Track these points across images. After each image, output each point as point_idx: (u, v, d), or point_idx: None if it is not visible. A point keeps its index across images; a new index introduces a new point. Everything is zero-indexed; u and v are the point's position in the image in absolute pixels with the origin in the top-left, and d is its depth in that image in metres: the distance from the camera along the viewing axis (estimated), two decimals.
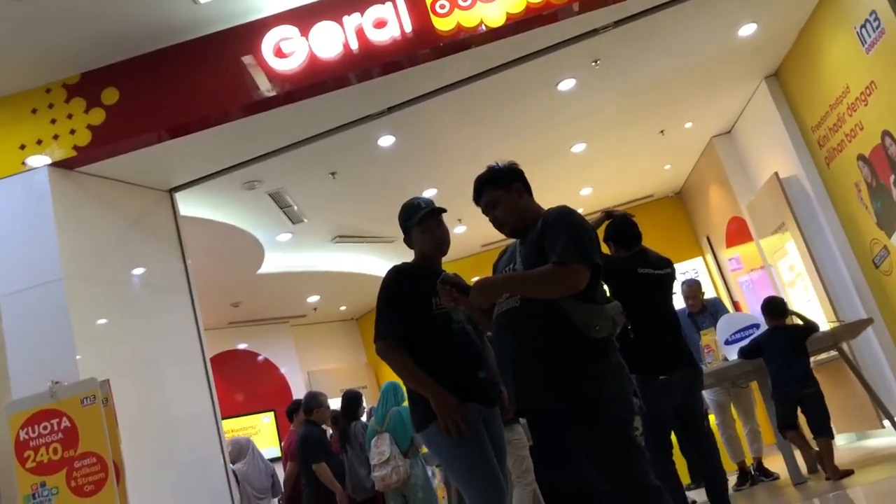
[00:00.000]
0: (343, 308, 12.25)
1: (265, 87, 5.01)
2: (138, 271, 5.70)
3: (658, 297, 4.34)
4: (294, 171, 6.76)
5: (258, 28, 5.04)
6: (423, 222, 3.27)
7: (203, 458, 5.60)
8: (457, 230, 9.41)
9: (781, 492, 5.60)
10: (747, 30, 6.33)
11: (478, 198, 2.96)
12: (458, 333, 3.10)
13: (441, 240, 3.29)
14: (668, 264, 4.46)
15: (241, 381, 10.79)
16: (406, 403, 6.11)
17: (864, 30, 5.66)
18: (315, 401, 6.61)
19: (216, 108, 5.15)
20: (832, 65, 6.32)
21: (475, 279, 2.77)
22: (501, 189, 2.88)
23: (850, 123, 6.22)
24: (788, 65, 7.10)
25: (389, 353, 3.07)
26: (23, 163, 5.09)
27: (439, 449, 3.03)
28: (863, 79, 5.88)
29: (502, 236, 2.97)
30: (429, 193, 8.04)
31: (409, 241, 3.35)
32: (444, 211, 3.35)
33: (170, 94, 5.10)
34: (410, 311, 3.09)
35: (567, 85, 6.53)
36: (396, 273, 3.21)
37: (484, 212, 2.96)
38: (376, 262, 10.31)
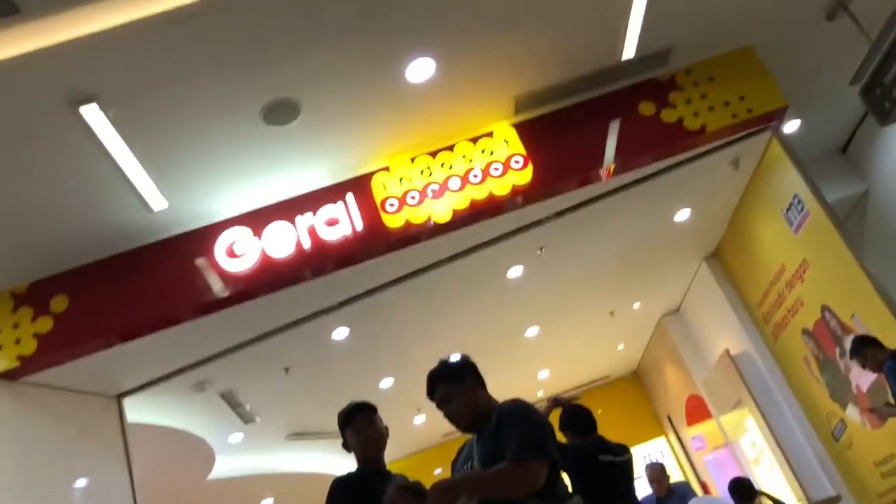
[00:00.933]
0: None
1: (218, 289, 5.03)
2: (81, 483, 5.38)
3: (621, 487, 4.23)
4: (246, 368, 6.64)
5: (212, 231, 5.12)
6: (350, 422, 3.22)
7: None
8: (416, 420, 9.22)
9: None
10: (682, 215, 6.68)
11: (431, 393, 2.92)
12: None
13: (370, 436, 3.20)
14: (626, 450, 4.40)
15: None
16: None
17: (790, 212, 6.00)
18: None
19: (168, 310, 5.12)
20: (766, 245, 6.63)
21: (436, 474, 2.67)
22: (455, 383, 2.86)
23: (791, 299, 6.43)
24: (725, 246, 7.43)
25: None
26: None
27: None
28: (795, 257, 6.16)
29: (453, 430, 2.91)
30: (386, 383, 7.95)
31: (346, 446, 3.28)
32: (372, 407, 3.27)
33: (121, 299, 5.06)
34: None
35: (515, 272, 6.71)
36: (337, 486, 3.12)
37: (438, 406, 2.91)
38: (333, 460, 9.93)
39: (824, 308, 6.00)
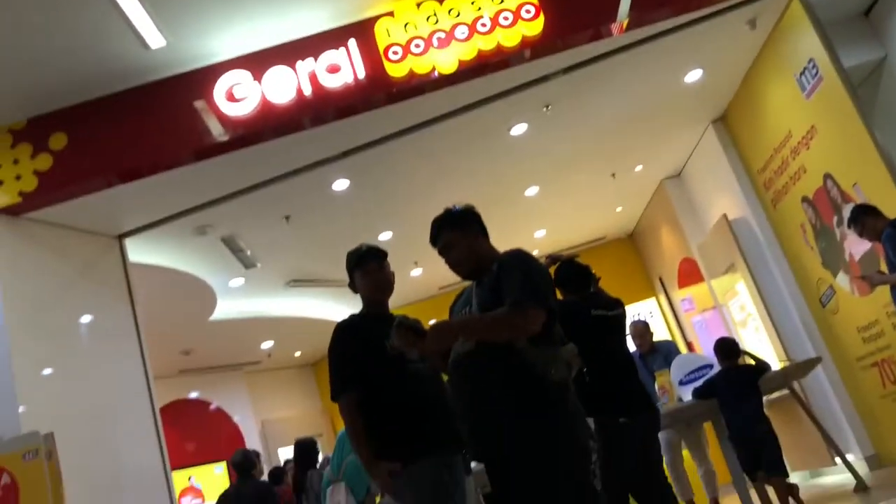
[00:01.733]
0: (298, 354, 12.07)
1: (217, 132, 4.97)
2: (85, 319, 5.55)
3: (613, 339, 4.35)
4: (247, 215, 6.69)
5: (210, 73, 5.01)
6: (362, 265, 3.27)
7: None
8: (413, 273, 9.39)
9: None
10: (693, 76, 6.52)
11: (434, 239, 2.95)
12: (414, 375, 3.04)
13: (379, 281, 3.27)
14: (619, 305, 4.49)
15: (192, 430, 10.52)
16: None
17: (803, 77, 5.87)
18: (249, 461, 6.40)
19: (167, 152, 5.10)
20: (775, 110, 6.53)
21: (432, 322, 2.75)
22: (458, 231, 2.89)
23: (794, 166, 6.40)
24: (734, 109, 7.31)
25: (344, 412, 3.07)
26: None
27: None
28: (804, 124, 6.08)
29: (459, 279, 2.96)
30: (384, 237, 8.03)
31: (353, 288, 3.34)
32: (384, 253, 3.32)
33: (120, 139, 5.02)
34: (363, 359, 3.06)
35: (519, 129, 6.62)
36: (341, 330, 3.19)
37: (440, 253, 2.95)
38: (331, 306, 10.21)
39: (826, 176, 5.99)
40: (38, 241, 5.31)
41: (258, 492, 6.20)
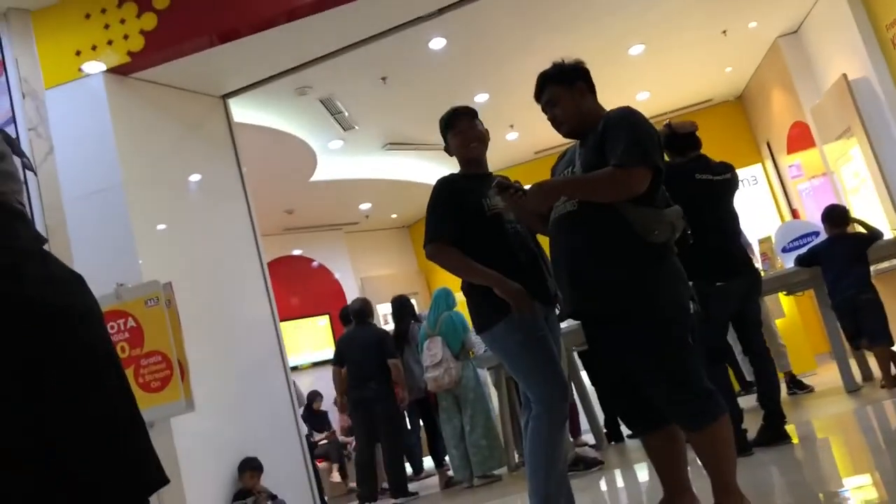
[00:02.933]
0: (394, 216, 12.32)
1: None
2: (195, 177, 5.79)
3: (716, 203, 4.24)
4: (345, 76, 6.69)
5: None
6: (452, 125, 3.24)
7: (263, 359, 5.80)
8: (509, 136, 9.29)
9: (834, 399, 5.59)
10: None
11: (539, 94, 2.87)
12: (512, 234, 3.04)
13: (471, 137, 3.22)
14: (728, 169, 4.35)
15: (296, 285, 11.04)
16: (457, 308, 6.21)
17: None
18: (369, 308, 6.77)
19: (266, 10, 5.10)
20: None
21: (527, 187, 2.73)
22: (564, 86, 2.80)
23: None
24: None
25: (440, 253, 3.03)
26: (79, 69, 5.14)
27: (506, 346, 3.00)
28: None
29: (556, 143, 2.94)
30: (480, 98, 7.92)
31: (448, 151, 3.32)
32: (473, 111, 3.26)
33: None
34: (461, 215, 3.05)
35: None
36: (443, 182, 3.20)
37: (543, 109, 2.88)
38: (427, 169, 10.28)
39: None
40: (148, 100, 5.49)
41: (376, 336, 6.57)
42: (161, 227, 5.32)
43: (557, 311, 3.08)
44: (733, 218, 4.38)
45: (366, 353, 6.41)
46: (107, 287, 4.56)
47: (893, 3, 6.35)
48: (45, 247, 1.31)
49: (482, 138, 3.26)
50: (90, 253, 4.94)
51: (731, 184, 4.35)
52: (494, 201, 2.99)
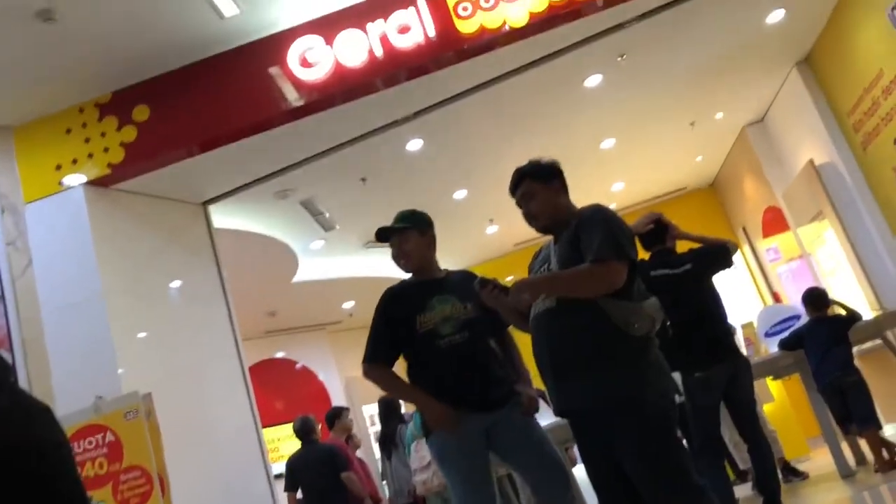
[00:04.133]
0: None
1: (293, 98, 5.05)
2: (175, 284, 5.78)
3: (683, 296, 4.25)
4: (325, 178, 6.79)
5: (283, 39, 5.08)
6: (386, 241, 3.41)
7: (246, 468, 5.65)
8: (489, 230, 9.39)
9: (829, 486, 5.50)
10: (775, 16, 6.24)
11: (514, 188, 2.94)
12: (445, 349, 3.11)
13: (397, 255, 3.37)
14: (690, 260, 4.38)
15: (280, 389, 10.88)
16: None
17: (895, 11, 5.55)
18: (309, 426, 6.57)
19: (245, 120, 5.21)
20: (864, 48, 6.20)
21: (509, 278, 2.76)
22: (540, 183, 2.88)
23: (886, 107, 6.09)
24: (819, 50, 6.98)
25: (370, 374, 3.23)
26: (59, 182, 5.19)
27: (434, 458, 3.18)
28: None
29: (535, 235, 2.97)
30: (459, 195, 8.04)
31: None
32: (400, 227, 3.36)
33: (200, 109, 5.17)
34: (395, 332, 3.20)
35: (594, 81, 6.48)
36: (383, 297, 3.34)
37: (518, 203, 2.94)
38: None
39: None
40: (129, 210, 5.53)
41: (325, 452, 6.37)
42: (141, 335, 5.27)
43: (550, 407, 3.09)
44: (709, 306, 4.40)
45: (319, 473, 6.23)
46: (85, 400, 4.48)
47: (852, 90, 6.60)
48: (22, 361, 1.26)
49: (405, 255, 3.35)
50: (69, 365, 4.88)
51: (695, 273, 4.36)
52: (429, 315, 3.08)
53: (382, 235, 3.36)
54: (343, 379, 11.68)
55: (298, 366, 11.44)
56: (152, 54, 5.00)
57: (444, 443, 3.05)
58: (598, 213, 2.71)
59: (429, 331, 3.10)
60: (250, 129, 5.23)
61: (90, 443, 4.31)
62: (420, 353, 3.16)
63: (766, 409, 7.44)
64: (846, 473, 5.49)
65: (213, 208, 6.27)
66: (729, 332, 4.73)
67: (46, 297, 5.04)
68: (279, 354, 11.32)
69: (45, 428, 1.17)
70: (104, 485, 4.25)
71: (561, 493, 3.06)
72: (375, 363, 3.21)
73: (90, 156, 5.19)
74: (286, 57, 5.03)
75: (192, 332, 5.69)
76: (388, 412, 6.87)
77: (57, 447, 1.18)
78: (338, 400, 11.16)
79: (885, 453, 5.27)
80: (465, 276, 3.18)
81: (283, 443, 10.10)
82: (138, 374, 4.90)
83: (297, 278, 9.16)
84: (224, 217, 6.71)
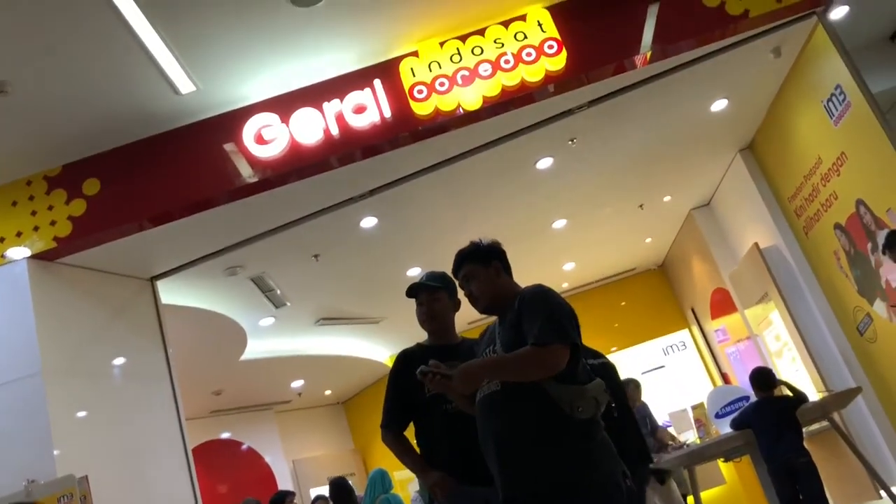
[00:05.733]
0: (328, 392, 12.06)
1: (247, 174, 5.04)
2: (119, 361, 5.60)
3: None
4: (276, 254, 6.74)
5: (239, 116, 5.10)
6: (413, 297, 3.36)
7: None
8: None
9: None
10: (719, 105, 6.50)
11: (457, 270, 3.00)
12: (447, 417, 3.06)
13: (426, 314, 3.33)
14: (599, 356, 4.31)
15: (224, 471, 10.50)
16: (395, 491, 5.97)
17: (830, 103, 5.82)
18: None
19: (198, 195, 5.17)
20: (803, 137, 6.47)
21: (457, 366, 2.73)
22: (480, 264, 2.91)
23: (825, 193, 6.32)
24: (761, 137, 7.26)
25: (384, 439, 3.26)
26: (2, 255, 5.05)
27: None
28: (833, 150, 6.01)
29: (484, 315, 2.97)
30: (412, 272, 8.05)
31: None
32: (434, 285, 3.34)
33: (151, 183, 5.12)
34: (409, 395, 3.17)
35: (545, 163, 6.63)
36: (396, 360, 3.33)
37: (460, 285, 3.01)
38: (361, 344, 10.22)
39: (859, 202, 5.91)
40: (73, 285, 5.39)
41: None
42: (81, 414, 5.06)
43: None
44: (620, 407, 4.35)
45: None
46: (16, 485, 4.26)
47: (792, 177, 6.84)
48: None
49: (434, 315, 3.32)
50: (2, 445, 4.64)
51: (604, 369, 4.25)
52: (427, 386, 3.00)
53: (412, 292, 3.34)
54: (290, 461, 11.35)
55: (244, 447, 11.09)
56: (106, 128, 4.97)
57: None
58: (539, 295, 2.72)
59: (435, 396, 3.04)
60: (203, 204, 5.19)
61: None
62: (426, 418, 3.17)
63: (719, 490, 7.44)
64: None
65: (160, 284, 6.16)
66: None
67: None
68: (224, 435, 10.97)
69: None
70: None
71: None
72: (388, 429, 3.25)
73: (36, 229, 5.08)
74: (242, 133, 5.05)
75: (135, 411, 5.49)
76: (340, 494, 6.66)
77: None
78: (284, 482, 10.80)
79: None
80: (476, 344, 3.12)
81: None
82: (75, 455, 4.69)
83: (245, 356, 8.96)
84: (172, 294, 6.58)
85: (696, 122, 6.73)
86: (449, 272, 3.30)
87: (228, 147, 5.02)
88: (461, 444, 2.97)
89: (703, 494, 6.46)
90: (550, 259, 9.14)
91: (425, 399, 3.09)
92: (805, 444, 5.63)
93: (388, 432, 3.24)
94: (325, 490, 7.13)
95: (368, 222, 6.70)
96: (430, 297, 3.32)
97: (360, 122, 5.05)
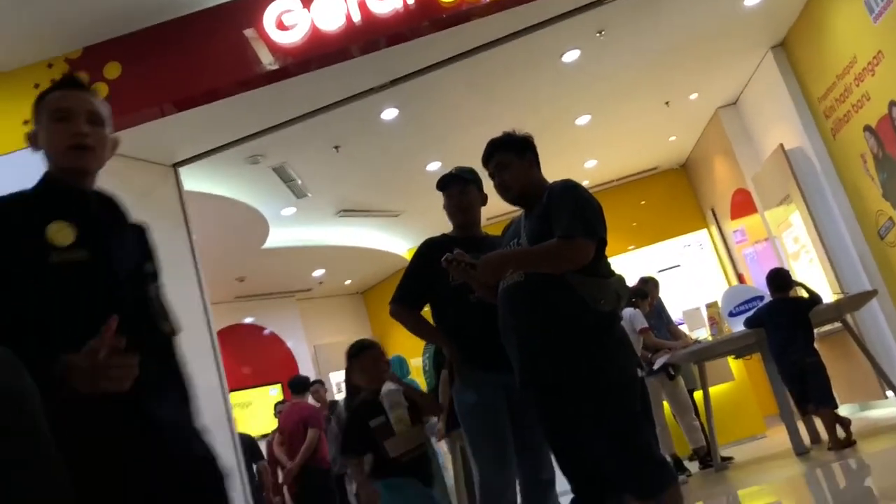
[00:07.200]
0: (348, 282, 12.28)
1: (267, 61, 4.98)
2: None
3: None
4: (297, 144, 6.74)
5: (260, 1, 5.00)
6: (443, 188, 3.39)
7: (211, 429, 5.63)
8: None
9: (784, 463, 5.65)
10: None
11: (488, 159, 2.95)
12: (474, 304, 3.06)
13: (457, 206, 3.36)
14: None
15: (247, 354, 10.86)
16: (412, 377, 6.16)
17: None
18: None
19: (219, 81, 5.12)
20: (839, 34, 6.26)
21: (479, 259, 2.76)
22: (515, 154, 2.89)
23: (857, 94, 6.17)
24: (795, 35, 7.04)
25: (398, 314, 3.30)
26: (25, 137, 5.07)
27: (457, 412, 3.17)
28: (870, 49, 5.83)
29: (505, 211, 3.00)
30: (432, 167, 8.03)
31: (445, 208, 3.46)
32: (467, 179, 3.36)
33: (173, 68, 5.07)
34: (428, 282, 3.22)
35: (571, 56, 6.49)
36: (422, 246, 3.38)
37: (491, 174, 2.95)
38: (381, 236, 10.32)
39: (892, 105, 5.77)
40: None
41: (244, 444, 6.52)
42: None
43: None
44: None
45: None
46: None
47: (824, 76, 6.67)
48: None
49: (466, 207, 3.36)
50: None
51: None
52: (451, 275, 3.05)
53: (444, 183, 3.39)
54: (311, 346, 11.69)
55: (267, 332, 11.42)
56: (127, 11, 4.89)
57: (465, 397, 3.11)
58: (569, 189, 2.72)
59: (461, 285, 3.05)
60: (224, 91, 5.15)
61: None
62: (449, 306, 3.22)
63: (726, 387, 7.62)
64: (801, 451, 5.65)
65: (183, 171, 6.19)
66: None
67: None
68: (248, 320, 11.28)
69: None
70: None
71: (552, 480, 3.11)
72: (402, 305, 3.31)
73: None
74: (262, 19, 4.95)
75: None
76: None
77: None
78: (305, 366, 11.18)
79: (839, 432, 5.42)
80: (498, 240, 3.15)
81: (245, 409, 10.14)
82: None
83: (267, 244, 9.10)
84: (195, 181, 6.64)
85: (729, 17, 6.51)
86: (472, 168, 3.31)
87: (249, 33, 4.95)
88: (482, 332, 3.02)
89: (712, 390, 6.62)
90: (572, 156, 9.07)
91: (448, 288, 3.13)
92: (816, 344, 5.72)
93: (401, 305, 3.30)
94: (342, 374, 7.42)
95: (389, 114, 6.65)
96: (462, 189, 3.35)
97: (382, 9, 4.93)
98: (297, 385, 7.79)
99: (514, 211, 2.96)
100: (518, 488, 3.12)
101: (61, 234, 1.65)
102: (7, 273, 1.61)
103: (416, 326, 3.31)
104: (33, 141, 2.00)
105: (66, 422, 1.39)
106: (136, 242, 2.05)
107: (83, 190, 1.91)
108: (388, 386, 3.56)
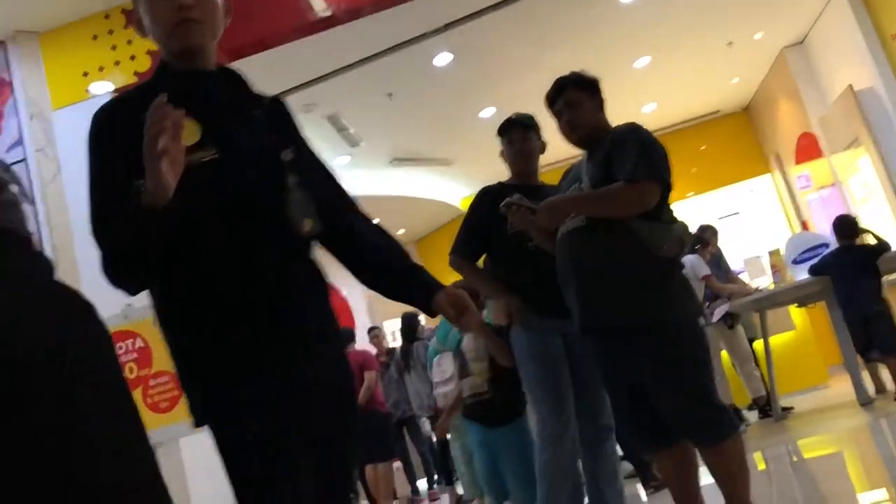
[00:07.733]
0: (402, 231, 12.31)
1: (319, 8, 4.94)
2: None
3: None
4: (350, 93, 6.71)
5: None
6: (505, 134, 3.29)
7: None
8: None
9: (848, 413, 5.54)
10: None
11: (557, 95, 2.82)
12: (533, 251, 3.02)
13: (518, 151, 3.26)
14: None
15: None
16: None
17: None
18: None
19: (271, 30, 5.11)
20: None
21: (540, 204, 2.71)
22: (587, 93, 2.80)
23: None
24: None
25: (458, 265, 3.23)
26: (86, 90, 5.15)
27: (515, 358, 3.14)
28: None
29: (560, 158, 2.92)
30: (486, 113, 7.93)
31: (502, 155, 3.37)
32: (528, 124, 3.28)
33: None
34: (485, 230, 3.16)
35: None
36: (479, 194, 3.30)
37: (558, 113, 2.82)
38: (435, 185, 10.29)
39: None
40: None
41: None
42: None
43: None
44: None
45: None
46: (115, 307, 4.55)
47: None
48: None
49: (525, 154, 3.27)
50: (98, 274, 4.93)
51: None
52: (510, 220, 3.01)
53: (505, 128, 3.31)
54: (366, 296, 11.81)
55: None
56: None
57: (523, 342, 3.07)
58: (634, 133, 2.64)
59: (518, 232, 3.03)
60: (276, 40, 5.14)
61: (120, 348, 4.41)
62: (507, 254, 3.16)
63: (788, 336, 7.47)
64: (865, 401, 5.52)
65: None
66: None
67: (76, 205, 5.06)
68: None
69: (75, 327, 1.09)
70: (133, 389, 4.36)
71: (611, 425, 3.09)
72: (460, 255, 3.26)
73: (116, 63, 5.14)
74: None
75: None
76: (409, 329, 7.00)
77: (97, 341, 1.10)
78: (360, 315, 11.32)
79: None
80: (555, 189, 3.10)
81: None
82: None
83: None
84: None
85: None
86: (531, 114, 3.23)
87: None
88: (539, 279, 2.97)
89: (772, 339, 6.50)
90: (630, 100, 8.82)
91: (506, 235, 3.07)
92: (885, 292, 5.54)
93: (459, 258, 3.24)
94: (397, 322, 7.50)
95: (442, 59, 6.56)
96: (523, 135, 3.26)
97: None
98: (345, 336, 7.95)
99: (563, 161, 2.87)
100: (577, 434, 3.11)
101: (185, 132, 1.40)
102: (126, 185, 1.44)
103: (476, 277, 3.28)
104: (138, 26, 1.72)
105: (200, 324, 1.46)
106: (272, 124, 1.76)
107: (200, 71, 1.66)
108: (469, 339, 3.56)
